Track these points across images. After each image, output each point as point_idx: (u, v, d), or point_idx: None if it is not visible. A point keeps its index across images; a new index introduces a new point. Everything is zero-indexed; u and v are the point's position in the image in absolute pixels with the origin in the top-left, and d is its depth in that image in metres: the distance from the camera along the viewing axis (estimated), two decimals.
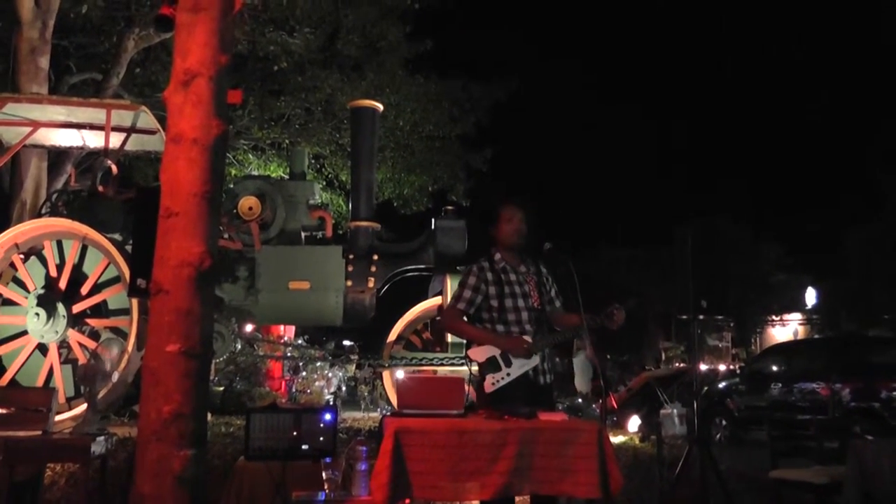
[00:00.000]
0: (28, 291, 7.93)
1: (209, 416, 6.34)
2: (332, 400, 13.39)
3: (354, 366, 13.81)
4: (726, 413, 12.26)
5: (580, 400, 14.39)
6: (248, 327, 9.83)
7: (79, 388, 7.60)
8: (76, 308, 7.89)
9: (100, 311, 8.10)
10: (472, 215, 9.88)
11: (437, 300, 8.92)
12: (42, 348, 7.91)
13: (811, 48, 48.04)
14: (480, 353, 4.28)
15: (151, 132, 8.83)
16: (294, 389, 13.54)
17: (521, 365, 4.20)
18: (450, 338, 8.66)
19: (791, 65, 47.97)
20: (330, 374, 14.41)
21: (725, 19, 52.30)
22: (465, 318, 4.37)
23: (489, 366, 4.24)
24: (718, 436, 12.14)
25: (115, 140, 8.70)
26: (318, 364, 13.90)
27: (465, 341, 8.41)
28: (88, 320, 8.02)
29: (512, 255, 4.42)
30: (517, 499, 4.12)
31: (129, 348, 7.33)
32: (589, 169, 44.44)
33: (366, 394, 13.08)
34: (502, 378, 4.19)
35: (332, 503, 3.90)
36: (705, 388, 13.11)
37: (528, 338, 4.22)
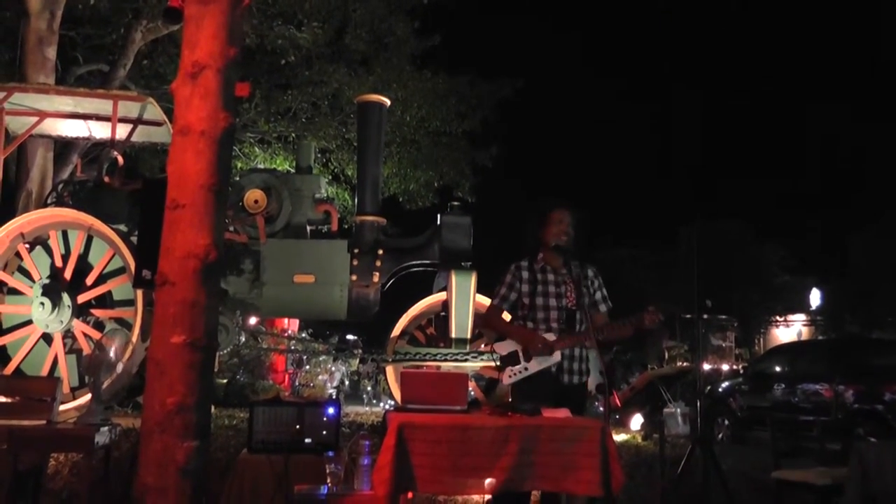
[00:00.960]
0: (33, 281, 7.95)
1: (213, 408, 6.35)
2: (335, 394, 13.43)
3: (358, 360, 13.82)
4: (729, 413, 12.26)
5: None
6: (253, 320, 9.83)
7: (83, 378, 7.63)
8: (81, 298, 7.90)
9: (105, 301, 8.12)
10: (478, 212, 9.85)
11: (441, 296, 8.90)
12: (47, 338, 7.93)
13: (816, 51, 47.91)
14: (504, 347, 4.44)
15: (158, 124, 8.84)
16: (297, 383, 13.57)
17: (541, 361, 4.30)
18: (454, 333, 8.65)
19: (797, 67, 47.85)
20: (333, 368, 14.45)
21: (733, 20, 52.16)
22: (502, 314, 4.58)
23: (509, 359, 4.39)
24: (721, 435, 12.15)
25: (122, 131, 8.71)
26: (322, 358, 13.92)
27: (468, 337, 8.54)
28: (93, 311, 8.04)
29: (555, 256, 4.53)
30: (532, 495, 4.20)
31: (134, 339, 7.35)
32: (594, 168, 44.41)
33: (369, 388, 13.12)
34: (519, 372, 4.33)
35: (334, 497, 3.91)
36: (708, 388, 13.11)
37: (551, 336, 4.31)
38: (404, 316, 9.01)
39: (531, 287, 4.45)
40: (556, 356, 4.30)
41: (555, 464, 3.68)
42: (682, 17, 51.78)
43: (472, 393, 8.75)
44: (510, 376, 4.35)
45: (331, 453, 4.31)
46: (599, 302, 4.58)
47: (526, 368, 4.31)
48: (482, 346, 8.55)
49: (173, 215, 4.14)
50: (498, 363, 4.50)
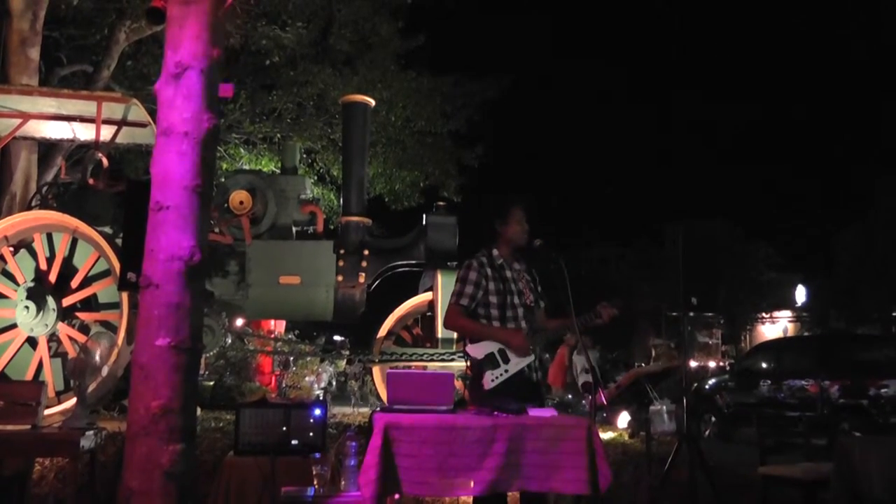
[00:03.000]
0: (18, 284, 7.90)
1: (198, 410, 6.32)
2: (321, 395, 13.39)
3: (345, 361, 13.76)
4: (715, 409, 12.31)
5: (570, 396, 14.40)
6: (239, 322, 9.80)
7: (68, 382, 7.59)
8: (66, 301, 7.86)
9: (90, 304, 8.07)
10: (465, 210, 9.85)
11: (427, 296, 8.92)
12: (31, 342, 7.88)
13: (805, 49, 48.17)
14: (479, 350, 4.28)
15: (142, 125, 8.81)
16: (284, 384, 13.53)
17: (518, 361, 4.24)
18: (440, 333, 8.65)
19: (784, 65, 48.08)
20: (320, 370, 14.41)
21: (720, 18, 52.38)
22: (468, 315, 4.35)
23: (488, 362, 4.24)
24: (707, 432, 12.19)
25: (106, 133, 8.67)
26: (309, 359, 13.89)
27: (455, 337, 8.51)
28: (78, 314, 7.99)
29: (509, 252, 4.46)
30: (509, 495, 4.15)
31: (119, 342, 7.31)
32: (579, 166, 44.47)
33: (356, 389, 13.09)
34: (500, 375, 4.21)
35: (320, 499, 3.90)
36: (695, 385, 13.16)
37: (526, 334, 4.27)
38: (390, 316, 9.02)
39: (497, 285, 4.35)
40: (532, 355, 4.28)
41: (541, 463, 3.68)
42: (672, 13, 51.96)
43: (460, 392, 8.75)
44: (493, 380, 4.21)
45: (317, 455, 4.30)
46: (540, 299, 4.51)
47: (506, 370, 4.23)
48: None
49: (157, 217, 4.13)
50: (469, 366, 4.36)
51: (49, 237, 8.11)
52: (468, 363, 4.38)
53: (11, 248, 8.08)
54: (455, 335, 8.60)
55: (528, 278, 4.48)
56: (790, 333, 28.89)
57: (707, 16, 52.85)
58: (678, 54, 50.54)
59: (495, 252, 4.45)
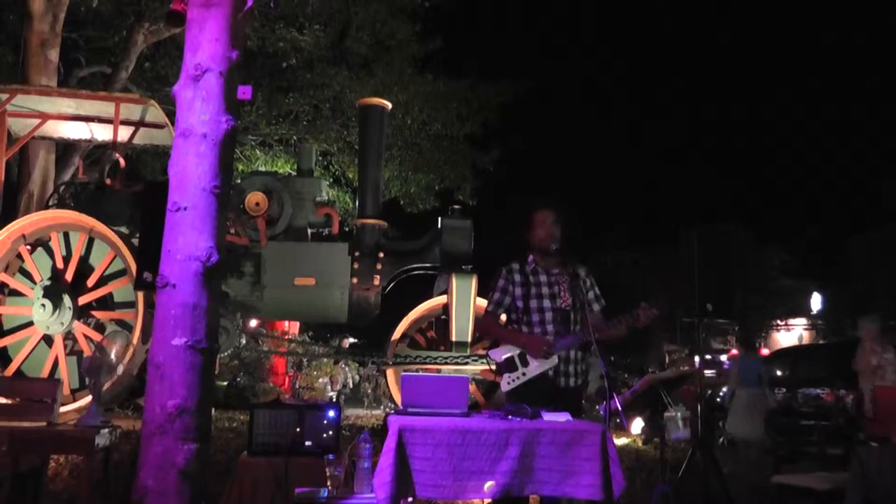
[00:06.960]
0: (34, 282, 7.96)
1: (213, 410, 6.34)
2: (335, 397, 13.42)
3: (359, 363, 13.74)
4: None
5: (584, 402, 14.33)
6: (253, 322, 9.82)
7: (84, 379, 7.64)
8: (82, 300, 7.91)
9: (105, 303, 8.13)
10: (478, 215, 9.83)
11: (442, 299, 8.91)
12: (47, 339, 7.94)
13: (816, 54, 47.96)
14: (500, 353, 4.34)
15: (160, 126, 8.86)
16: (297, 385, 13.56)
17: (539, 366, 4.23)
18: (454, 337, 8.65)
19: (796, 70, 47.86)
20: (339, 372, 14.44)
21: (732, 22, 52.26)
22: (498, 320, 4.46)
23: (507, 365, 4.30)
24: (721, 439, 12.13)
25: (124, 133, 8.72)
26: (323, 361, 13.92)
27: (469, 341, 8.53)
28: (94, 312, 8.05)
29: (546, 257, 4.45)
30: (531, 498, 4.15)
31: (135, 341, 7.36)
32: (595, 171, 44.40)
33: (369, 391, 13.11)
34: (517, 378, 4.23)
35: (334, 500, 3.90)
36: (709, 392, 13.09)
37: (549, 338, 4.25)
38: (405, 319, 9.01)
39: (524, 290, 4.36)
40: (554, 359, 4.25)
41: (555, 467, 3.67)
42: (684, 18, 51.84)
43: (473, 396, 8.75)
44: (508, 383, 4.26)
45: (331, 456, 4.30)
46: (592, 301, 4.48)
47: (524, 374, 4.23)
48: (482, 349, 8.54)
49: (175, 218, 4.15)
50: (493, 369, 4.43)
51: (66, 236, 8.17)
52: (490, 366, 4.44)
53: (29, 247, 8.14)
54: (468, 339, 8.61)
55: (573, 282, 4.42)
56: (805, 341, 28.69)
57: (723, 20, 52.73)
58: (696, 60, 50.39)
59: (530, 258, 4.47)
